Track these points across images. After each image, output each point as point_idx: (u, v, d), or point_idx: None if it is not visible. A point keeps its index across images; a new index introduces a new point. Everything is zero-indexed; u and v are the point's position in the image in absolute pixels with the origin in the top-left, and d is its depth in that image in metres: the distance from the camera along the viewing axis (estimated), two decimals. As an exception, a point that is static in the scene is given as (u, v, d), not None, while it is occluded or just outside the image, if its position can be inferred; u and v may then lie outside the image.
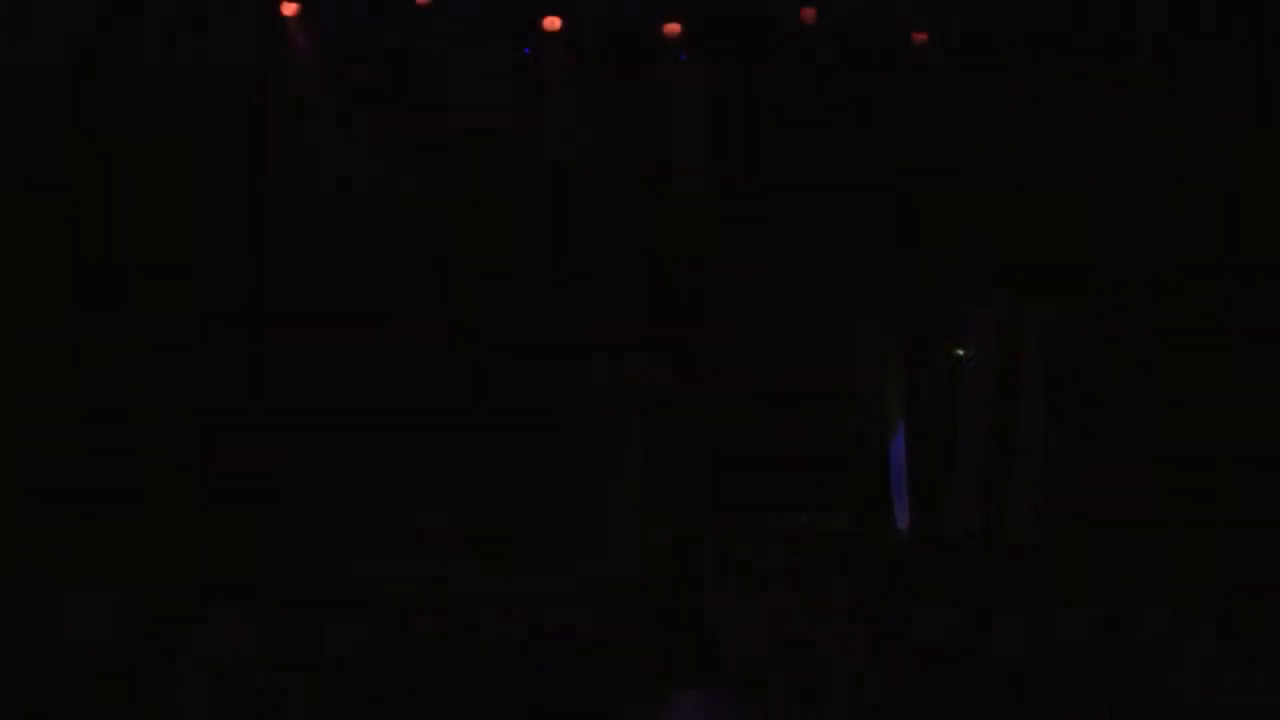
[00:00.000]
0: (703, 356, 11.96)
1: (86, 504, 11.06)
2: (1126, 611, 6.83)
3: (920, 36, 12.46)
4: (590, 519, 11.35)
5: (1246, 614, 6.75)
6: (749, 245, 12.80)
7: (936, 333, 12.93)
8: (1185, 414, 11.81)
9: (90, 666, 5.58)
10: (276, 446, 11.93)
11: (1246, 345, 11.74)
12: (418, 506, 12.07)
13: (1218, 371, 11.77)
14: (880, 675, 5.96)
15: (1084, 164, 12.11)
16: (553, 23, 12.36)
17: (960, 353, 12.97)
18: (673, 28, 12.52)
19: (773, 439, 12.83)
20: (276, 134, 12.11)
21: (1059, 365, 12.57)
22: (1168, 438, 11.84)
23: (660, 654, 5.92)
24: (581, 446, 11.96)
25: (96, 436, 11.43)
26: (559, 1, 12.24)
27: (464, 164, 12.45)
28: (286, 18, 12.09)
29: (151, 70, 11.65)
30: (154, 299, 11.76)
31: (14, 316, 11.49)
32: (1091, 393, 12.29)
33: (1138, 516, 11.61)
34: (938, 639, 6.26)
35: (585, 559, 11.14)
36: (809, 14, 12.46)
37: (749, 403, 12.57)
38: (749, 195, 12.80)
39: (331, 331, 12.34)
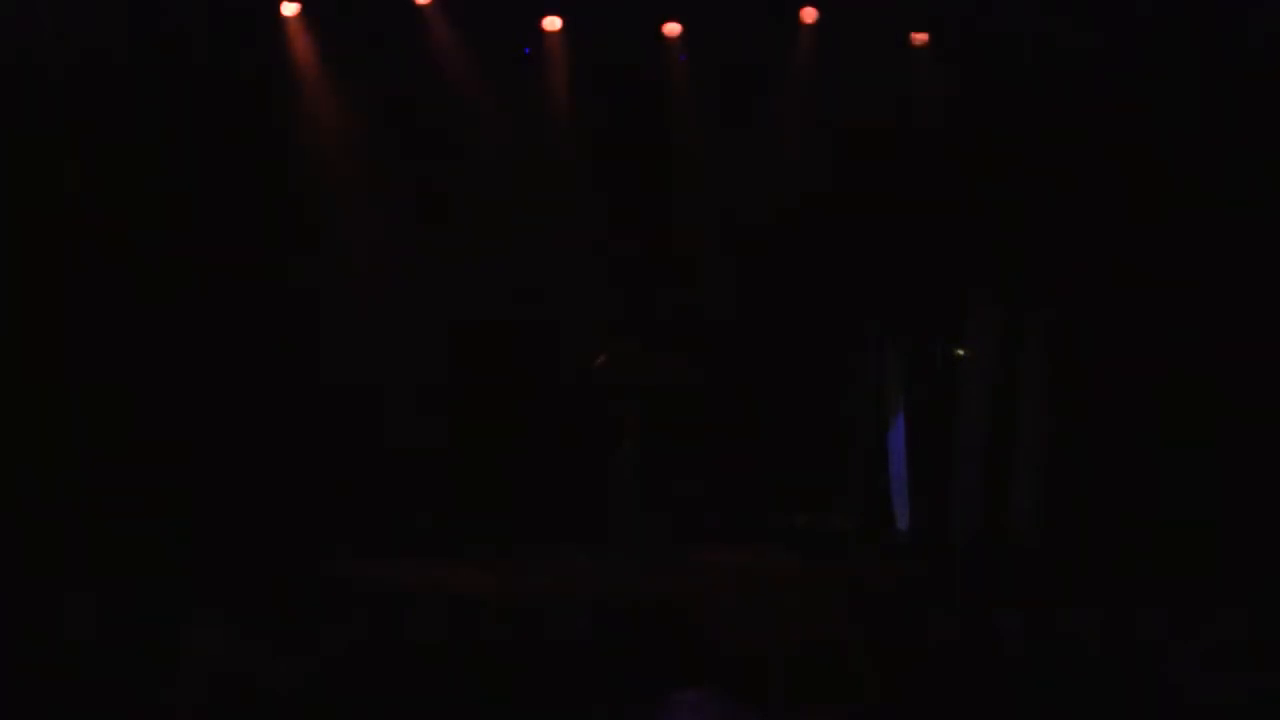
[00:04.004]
0: (702, 357, 11.95)
1: (82, 502, 11.10)
2: (1126, 611, 6.83)
3: (920, 37, 12.49)
4: (591, 519, 11.36)
5: (1246, 614, 6.75)
6: (749, 247, 12.83)
7: (936, 333, 12.94)
8: (1185, 414, 11.82)
9: (87, 666, 5.59)
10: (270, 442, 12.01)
11: (1246, 345, 11.75)
12: (416, 507, 12.14)
13: (1217, 371, 11.77)
14: (880, 675, 5.95)
15: (1085, 165, 12.13)
16: (553, 23, 12.41)
17: (960, 353, 12.97)
18: (673, 28, 12.57)
19: (773, 439, 12.84)
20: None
21: (1059, 365, 12.57)
22: (1167, 437, 11.84)
23: (660, 654, 5.92)
24: (586, 447, 11.98)
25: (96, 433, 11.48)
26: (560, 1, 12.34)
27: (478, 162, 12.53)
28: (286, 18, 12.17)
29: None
30: (151, 295, 11.78)
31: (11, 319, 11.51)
32: (1091, 393, 12.29)
33: (1138, 516, 11.62)
34: (938, 639, 6.25)
35: (586, 558, 11.16)
36: (809, 13, 12.50)
37: (749, 402, 12.57)
38: (752, 200, 12.85)
39: (329, 329, 12.42)
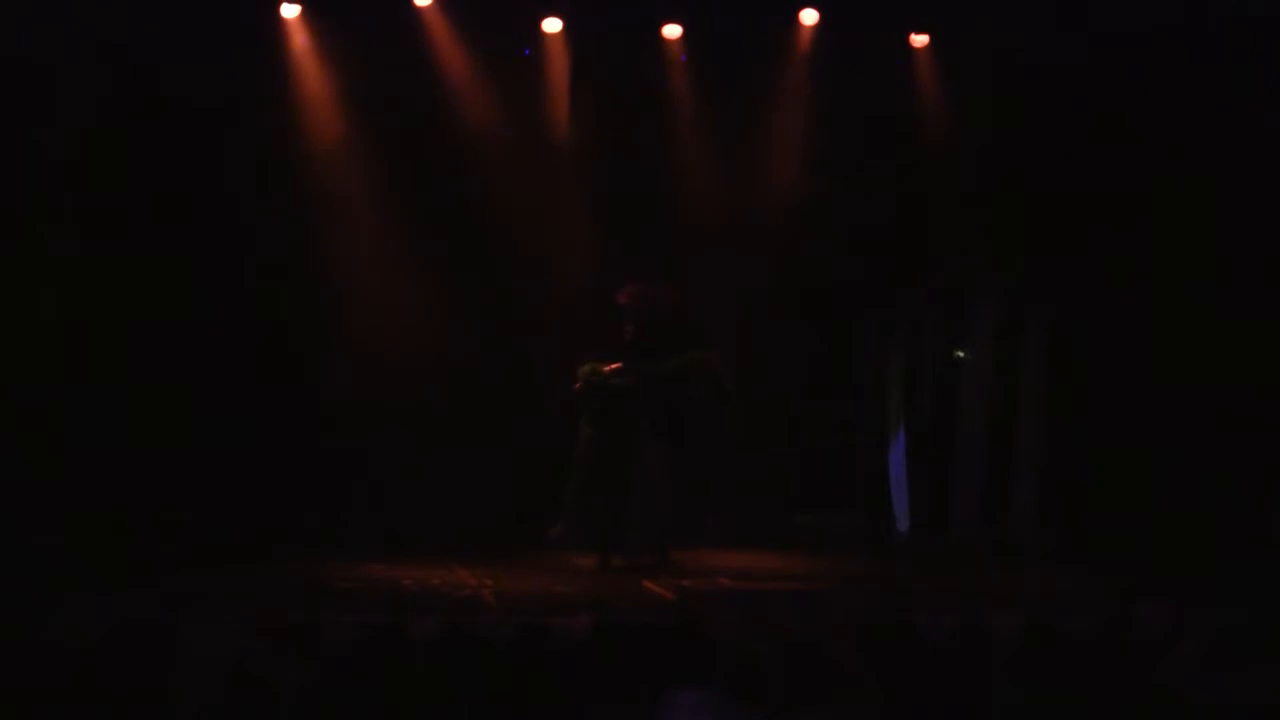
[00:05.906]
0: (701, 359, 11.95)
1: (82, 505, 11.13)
2: (1126, 611, 6.84)
3: (920, 37, 12.51)
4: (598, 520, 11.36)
5: (1246, 614, 6.76)
6: (749, 247, 12.84)
7: (936, 333, 12.96)
8: (1184, 413, 11.83)
9: (87, 668, 5.60)
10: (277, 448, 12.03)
11: (1245, 344, 11.77)
12: (416, 508, 12.17)
13: (1217, 370, 11.79)
14: (880, 675, 5.96)
15: (1084, 164, 12.15)
16: (553, 24, 12.41)
17: (960, 354, 12.99)
18: (673, 29, 12.57)
19: (774, 440, 12.85)
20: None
21: (1059, 364, 12.59)
22: (1167, 437, 11.86)
23: (660, 654, 5.93)
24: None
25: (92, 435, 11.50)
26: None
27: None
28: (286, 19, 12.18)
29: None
30: (150, 295, 11.81)
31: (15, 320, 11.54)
32: (1091, 392, 12.31)
33: (1137, 516, 11.64)
34: (938, 639, 6.26)
35: (587, 558, 11.17)
36: (809, 14, 12.51)
37: (750, 404, 12.58)
38: (752, 201, 12.85)
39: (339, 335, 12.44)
